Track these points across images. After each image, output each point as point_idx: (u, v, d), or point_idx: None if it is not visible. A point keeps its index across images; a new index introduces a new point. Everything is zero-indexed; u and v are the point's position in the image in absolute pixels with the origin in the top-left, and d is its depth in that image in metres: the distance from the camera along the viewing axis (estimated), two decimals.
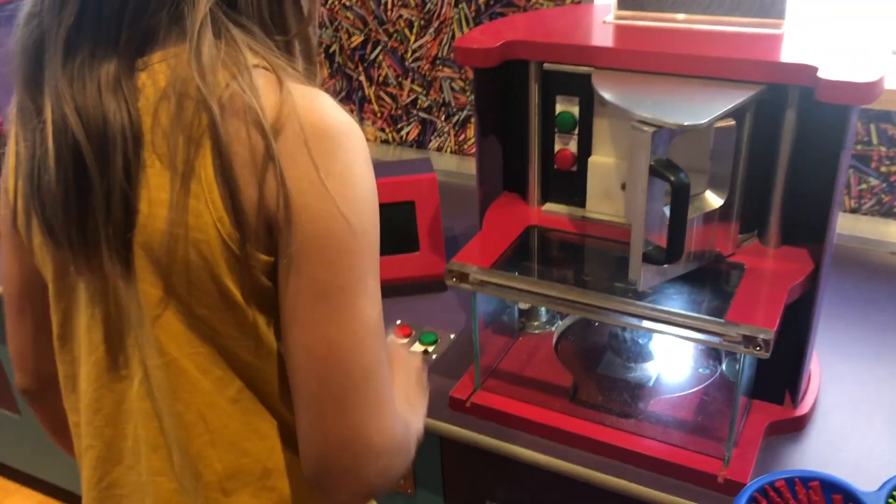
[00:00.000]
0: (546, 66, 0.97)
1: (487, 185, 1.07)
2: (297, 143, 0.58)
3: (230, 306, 0.62)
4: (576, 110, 0.98)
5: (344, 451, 0.61)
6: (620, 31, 0.97)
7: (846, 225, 1.34)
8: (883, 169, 1.32)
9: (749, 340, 0.79)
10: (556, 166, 1.02)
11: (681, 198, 0.80)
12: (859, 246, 1.31)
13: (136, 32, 0.59)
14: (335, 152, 0.59)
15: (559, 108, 0.99)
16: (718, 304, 0.87)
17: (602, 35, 0.96)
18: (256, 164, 0.58)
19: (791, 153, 0.88)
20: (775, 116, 0.87)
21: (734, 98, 0.83)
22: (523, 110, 1.01)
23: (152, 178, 0.60)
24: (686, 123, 0.79)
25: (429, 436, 1.02)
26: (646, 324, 0.85)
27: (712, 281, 0.93)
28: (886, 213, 1.34)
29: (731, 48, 0.88)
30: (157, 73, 0.60)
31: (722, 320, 0.82)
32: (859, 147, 1.32)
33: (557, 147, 1.01)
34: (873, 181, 1.33)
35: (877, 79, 0.78)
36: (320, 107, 0.60)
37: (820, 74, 0.79)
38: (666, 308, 0.84)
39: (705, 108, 0.81)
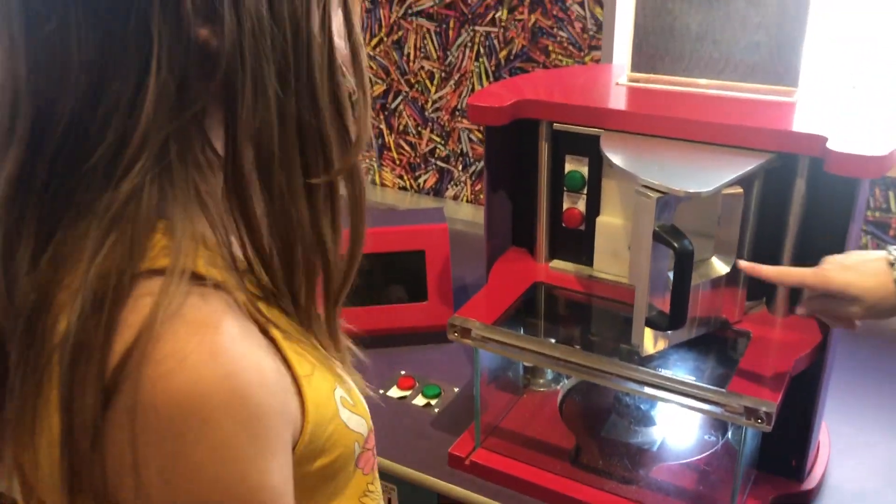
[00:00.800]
0: (556, 125, 0.97)
1: (495, 239, 1.07)
2: (126, 417, 0.42)
3: None
4: (585, 170, 0.98)
5: None
6: (632, 93, 0.98)
7: None
8: None
9: (751, 412, 0.78)
10: (564, 224, 1.02)
11: (684, 265, 0.79)
12: None
13: (61, 198, 0.45)
14: (181, 439, 0.42)
15: (569, 167, 0.99)
16: (723, 373, 0.85)
17: (614, 97, 0.97)
18: (86, 422, 0.42)
19: (800, 222, 0.87)
20: (785, 185, 0.86)
21: (743, 166, 0.82)
22: (533, 168, 1.01)
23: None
24: (692, 191, 0.79)
25: (426, 493, 1.00)
26: (647, 390, 0.84)
27: (718, 348, 0.92)
28: None
29: (742, 115, 0.88)
30: (44, 268, 0.45)
31: (724, 390, 0.80)
32: (877, 214, 1.30)
33: (566, 205, 1.01)
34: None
35: (887, 152, 0.77)
36: (189, 364, 0.42)
37: (829, 146, 0.79)
38: (668, 375, 0.83)
39: (713, 176, 0.81)
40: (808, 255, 0.89)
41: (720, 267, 0.89)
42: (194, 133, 0.46)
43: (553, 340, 0.91)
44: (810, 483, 0.93)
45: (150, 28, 0.42)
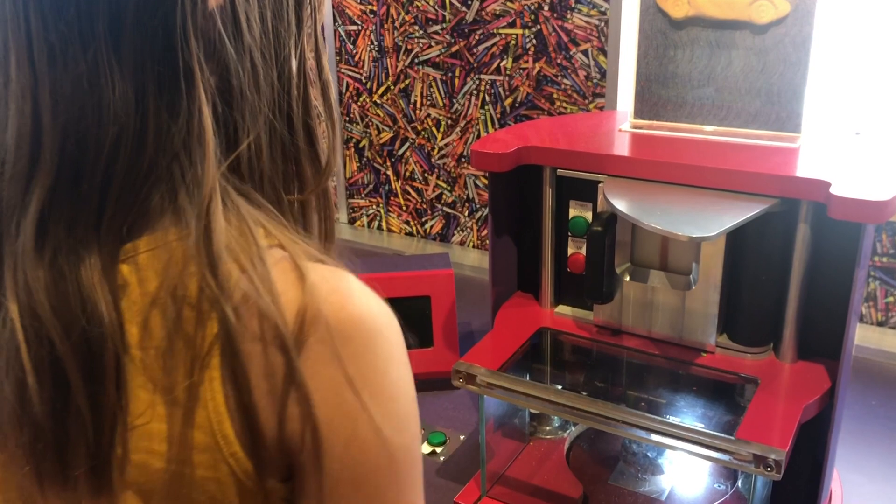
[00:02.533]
0: (560, 171, 0.98)
1: (500, 284, 1.07)
2: (326, 356, 0.48)
3: None
4: (589, 215, 0.98)
5: None
6: (635, 139, 0.99)
7: (872, 338, 1.31)
8: None
9: (760, 460, 0.77)
10: (569, 269, 1.02)
11: (591, 245, 0.90)
12: (886, 361, 1.27)
13: (122, 210, 0.48)
14: (371, 357, 0.49)
15: (573, 212, 1.00)
16: (731, 420, 0.84)
17: (617, 143, 0.98)
18: (275, 389, 0.47)
19: (805, 267, 0.87)
20: (789, 230, 0.86)
21: (746, 211, 0.83)
22: (537, 213, 1.01)
23: (144, 404, 0.48)
24: (695, 236, 0.79)
25: None
26: (655, 437, 0.82)
27: (726, 394, 0.91)
28: None
29: (745, 161, 0.88)
30: (143, 268, 0.48)
31: (732, 437, 0.79)
32: (885, 259, 1.30)
33: (570, 251, 1.01)
34: None
35: (890, 197, 0.77)
36: (349, 298, 0.49)
37: (832, 191, 0.79)
38: (676, 422, 0.82)
39: (715, 221, 0.81)
40: (813, 301, 0.89)
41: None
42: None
43: (559, 387, 0.91)
44: None
45: (192, 63, 0.47)
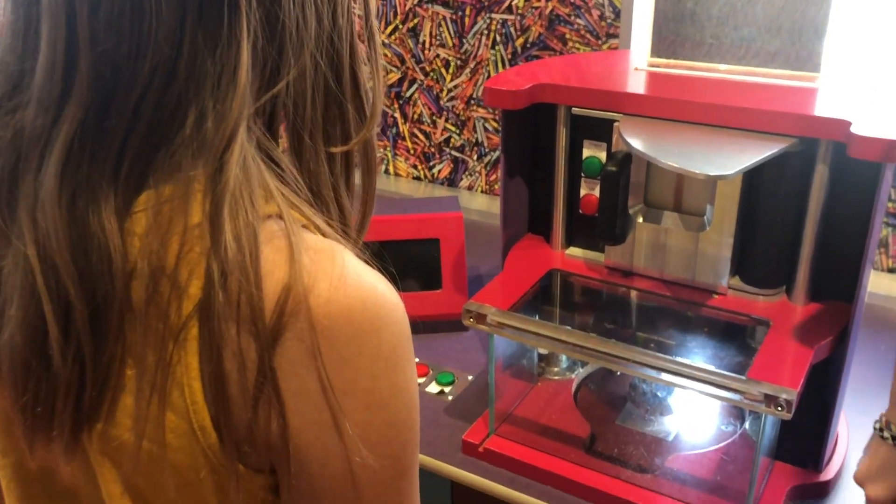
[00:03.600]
0: (574, 110, 0.96)
1: (511, 226, 1.06)
2: (303, 355, 0.43)
3: None
4: (603, 155, 0.97)
5: None
6: (652, 78, 0.97)
7: (882, 285, 1.30)
8: None
9: (771, 400, 0.77)
10: (581, 211, 1.01)
11: (605, 185, 0.87)
12: (895, 307, 1.27)
13: (145, 152, 0.45)
14: (358, 359, 0.44)
15: (586, 152, 0.98)
16: (742, 361, 0.84)
17: (633, 81, 0.96)
18: (246, 384, 0.43)
19: (822, 209, 0.86)
20: (806, 171, 0.85)
21: (764, 150, 0.81)
22: (550, 154, 1.00)
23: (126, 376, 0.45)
24: (713, 174, 0.78)
25: (439, 480, 1.00)
26: (665, 376, 0.83)
27: (737, 336, 0.91)
28: None
29: (764, 100, 0.87)
30: (133, 229, 0.45)
31: (743, 377, 0.79)
32: None
33: (583, 192, 1.00)
34: None
35: None
36: (341, 286, 0.44)
37: (853, 130, 0.77)
38: (686, 361, 0.82)
39: (733, 160, 0.80)
40: (828, 243, 0.88)
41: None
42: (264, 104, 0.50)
43: (569, 327, 0.91)
44: (828, 474, 0.92)
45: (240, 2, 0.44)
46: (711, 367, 0.81)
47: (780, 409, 0.76)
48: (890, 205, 1.29)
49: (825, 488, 0.92)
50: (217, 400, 0.44)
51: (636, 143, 0.84)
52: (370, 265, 0.49)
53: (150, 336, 0.44)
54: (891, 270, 1.33)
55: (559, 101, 0.96)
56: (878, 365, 1.13)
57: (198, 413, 0.44)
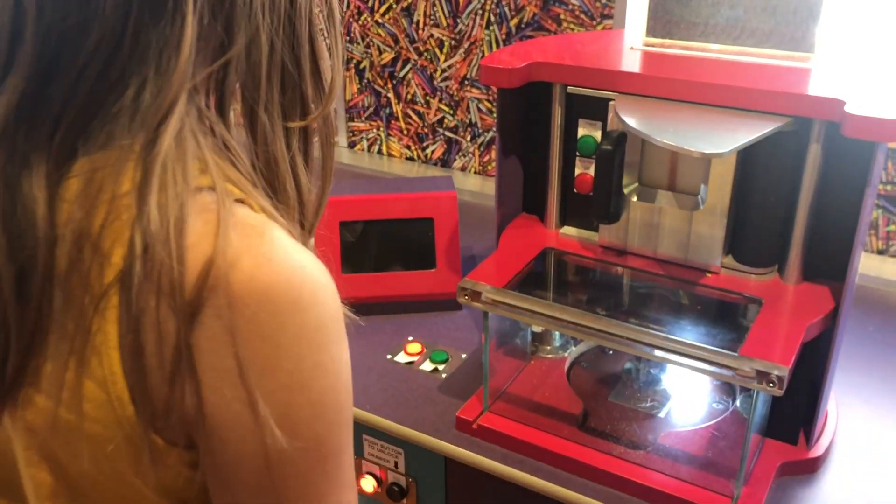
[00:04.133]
0: (570, 89, 0.96)
1: (506, 205, 1.06)
2: (220, 333, 0.42)
3: None
4: (598, 135, 0.97)
5: None
6: (647, 57, 0.97)
7: (872, 266, 1.31)
8: None
9: (762, 376, 0.78)
10: (575, 190, 1.02)
11: (600, 164, 0.88)
12: (885, 288, 1.28)
13: (81, 120, 0.45)
14: (279, 338, 0.44)
15: (581, 131, 0.98)
16: (734, 338, 0.85)
17: (628, 61, 0.96)
18: (163, 354, 0.43)
19: (815, 189, 0.86)
20: (800, 150, 0.85)
21: (758, 129, 0.82)
22: (545, 133, 1.00)
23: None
24: (707, 152, 0.78)
25: (434, 456, 1.01)
26: (658, 353, 0.83)
27: (729, 314, 0.91)
28: None
29: (758, 79, 0.87)
30: (64, 195, 0.45)
31: (736, 354, 0.80)
32: (889, 187, 1.30)
33: (578, 171, 1.01)
34: None
35: None
36: (266, 262, 0.43)
37: (847, 109, 0.78)
38: (679, 338, 0.83)
39: (727, 138, 0.80)
40: (820, 223, 0.89)
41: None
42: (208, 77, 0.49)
43: (563, 305, 0.91)
44: (818, 451, 0.93)
45: None
46: (704, 344, 0.82)
47: (771, 385, 0.77)
48: (881, 187, 1.30)
49: (814, 465, 0.93)
50: (134, 371, 0.43)
51: (632, 122, 0.85)
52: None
53: (72, 303, 0.44)
54: (880, 252, 1.34)
55: (554, 80, 0.96)
56: (866, 345, 1.15)
57: (115, 383, 0.44)
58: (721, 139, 0.80)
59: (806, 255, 0.90)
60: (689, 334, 0.86)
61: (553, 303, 0.91)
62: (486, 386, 1.00)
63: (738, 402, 1.01)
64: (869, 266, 1.31)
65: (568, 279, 1.02)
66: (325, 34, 0.54)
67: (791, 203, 0.88)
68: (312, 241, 0.59)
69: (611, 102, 0.92)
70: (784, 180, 0.88)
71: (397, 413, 1.03)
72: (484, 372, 0.99)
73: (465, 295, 0.93)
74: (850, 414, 1.02)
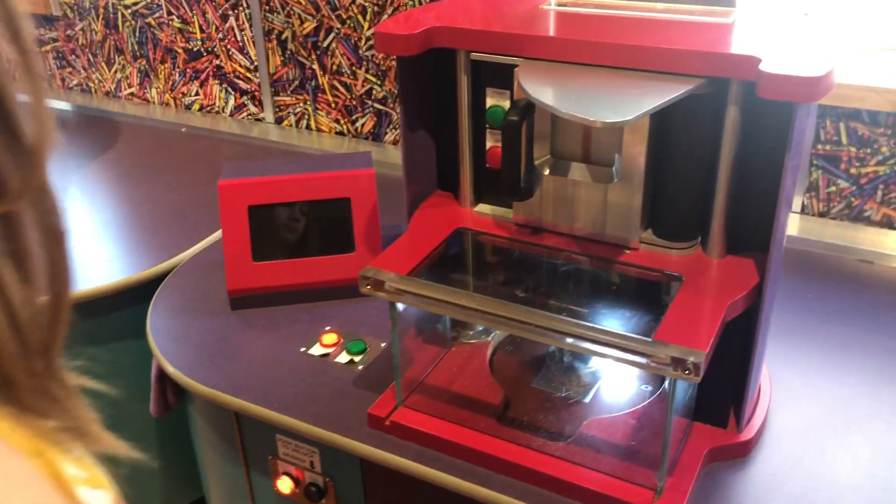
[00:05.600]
0: (474, 55, 0.88)
1: (416, 183, 0.99)
2: None
3: None
4: (507, 104, 0.90)
5: None
6: (558, 18, 0.89)
7: (814, 230, 1.26)
8: (853, 171, 1.23)
9: (678, 363, 0.71)
10: (487, 165, 0.94)
11: (507, 137, 0.80)
12: (827, 252, 1.23)
13: None
14: None
15: (490, 101, 0.91)
16: (652, 320, 0.79)
17: (537, 22, 0.88)
18: None
19: (734, 154, 0.80)
20: (717, 114, 0.79)
21: (669, 92, 0.75)
22: (453, 104, 0.93)
23: None
24: (610, 121, 0.71)
25: (349, 457, 0.94)
26: (569, 341, 0.77)
27: (649, 293, 0.85)
28: (856, 217, 1.26)
29: (673, 38, 0.80)
30: None
31: (650, 339, 0.74)
32: (828, 147, 1.24)
33: (489, 144, 0.93)
34: (843, 183, 1.25)
35: (823, 73, 0.70)
36: None
37: (762, 67, 0.71)
38: (591, 325, 0.76)
39: (634, 104, 0.73)
40: (744, 191, 0.83)
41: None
42: None
43: (472, 291, 0.84)
44: (749, 433, 0.88)
45: None
46: (617, 330, 0.75)
47: (687, 372, 0.71)
48: (819, 147, 1.24)
49: (746, 448, 0.88)
50: None
51: (532, 90, 0.77)
52: None
53: None
54: (821, 214, 1.29)
55: (457, 46, 0.88)
56: (805, 314, 1.10)
57: None
58: (628, 105, 0.73)
59: (729, 227, 0.84)
60: (606, 318, 0.80)
61: (460, 290, 0.84)
62: (399, 380, 0.93)
63: (665, 384, 0.95)
64: (810, 230, 1.26)
65: (480, 261, 0.96)
66: (12, 66, 0.37)
67: (711, 170, 0.82)
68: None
69: (516, 69, 0.84)
70: (702, 146, 0.81)
71: (309, 411, 0.96)
72: (395, 365, 0.92)
73: (368, 284, 0.86)
74: (785, 390, 0.97)
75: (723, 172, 0.81)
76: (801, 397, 0.96)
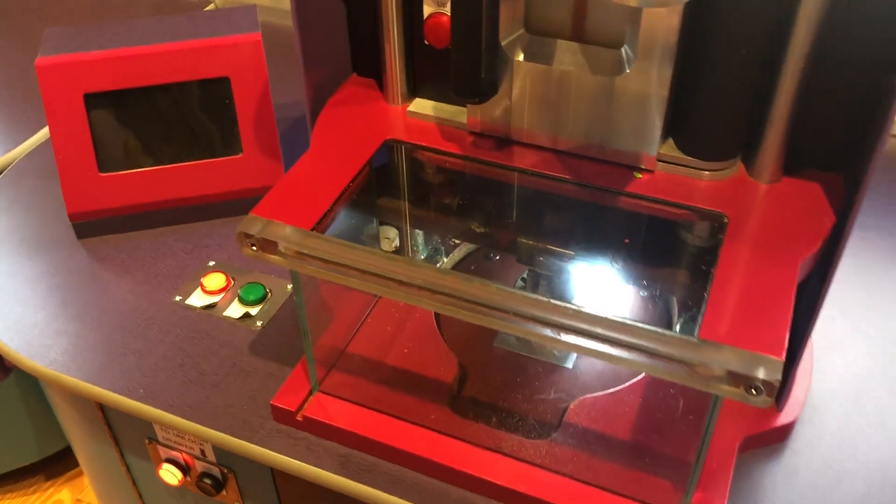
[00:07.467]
0: None
1: (319, 67, 0.67)
2: None
3: None
4: None
5: None
6: None
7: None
8: None
9: (739, 380, 0.46)
10: (426, 41, 0.63)
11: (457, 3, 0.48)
12: None
13: None
14: None
15: None
16: (685, 296, 0.53)
17: None
18: None
19: (817, 28, 0.51)
20: None
21: None
22: None
23: None
24: None
25: (254, 465, 0.69)
26: (564, 337, 0.50)
27: (678, 248, 0.58)
28: None
29: None
30: None
31: (694, 338, 0.48)
32: None
33: (427, 11, 0.61)
34: None
35: None
36: None
37: None
38: (591, 312, 0.49)
39: None
40: (828, 80, 0.54)
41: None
42: None
43: (414, 250, 0.56)
44: (790, 415, 0.65)
45: None
46: (637, 323, 0.49)
47: (755, 392, 0.46)
48: None
49: (785, 432, 0.65)
50: None
51: None
52: None
53: None
54: None
55: None
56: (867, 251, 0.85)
57: None
58: None
59: (792, 137, 0.56)
60: (612, 294, 0.53)
61: (393, 256, 0.55)
62: (311, 358, 0.66)
63: (677, 329, 0.71)
64: None
65: (420, 197, 0.66)
66: None
67: (776, 55, 0.53)
68: None
69: None
70: (764, 19, 0.52)
71: (187, 398, 0.69)
72: (306, 346, 0.64)
73: (253, 244, 0.56)
74: (828, 361, 0.73)
75: (794, 56, 0.52)
76: (844, 342, 0.73)
